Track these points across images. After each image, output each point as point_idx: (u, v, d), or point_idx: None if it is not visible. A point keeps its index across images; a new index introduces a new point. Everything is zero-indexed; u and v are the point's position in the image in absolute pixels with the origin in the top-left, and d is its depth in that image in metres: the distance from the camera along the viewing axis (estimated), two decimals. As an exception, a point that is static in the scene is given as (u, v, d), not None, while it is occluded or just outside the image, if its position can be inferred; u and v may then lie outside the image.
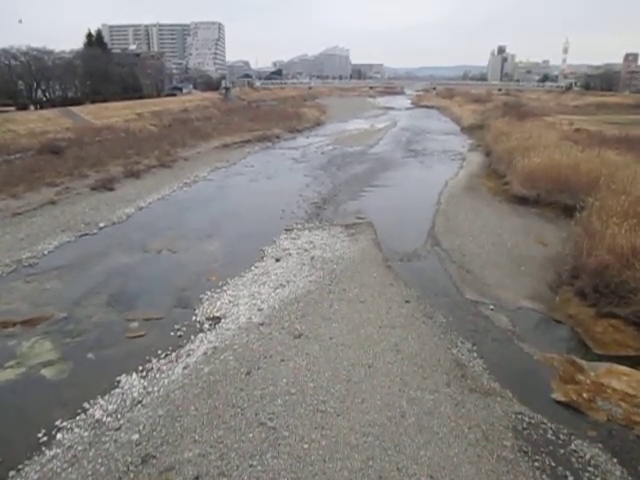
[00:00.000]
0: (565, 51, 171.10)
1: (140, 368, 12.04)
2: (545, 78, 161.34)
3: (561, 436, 9.89)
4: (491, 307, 15.27)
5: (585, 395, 10.87)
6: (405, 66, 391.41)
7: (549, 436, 9.90)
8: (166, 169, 36.02)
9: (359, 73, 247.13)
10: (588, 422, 10.26)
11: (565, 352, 12.72)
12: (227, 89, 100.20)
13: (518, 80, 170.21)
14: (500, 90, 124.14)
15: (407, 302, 15.53)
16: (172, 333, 13.79)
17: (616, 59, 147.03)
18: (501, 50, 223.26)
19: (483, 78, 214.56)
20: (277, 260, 19.12)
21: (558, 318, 14.43)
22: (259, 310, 15.00)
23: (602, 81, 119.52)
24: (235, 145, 47.95)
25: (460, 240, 21.13)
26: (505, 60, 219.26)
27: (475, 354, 12.73)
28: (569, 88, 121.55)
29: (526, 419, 10.34)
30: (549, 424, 10.18)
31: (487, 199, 27.94)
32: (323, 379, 11.49)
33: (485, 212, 25.28)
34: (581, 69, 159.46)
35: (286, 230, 22.77)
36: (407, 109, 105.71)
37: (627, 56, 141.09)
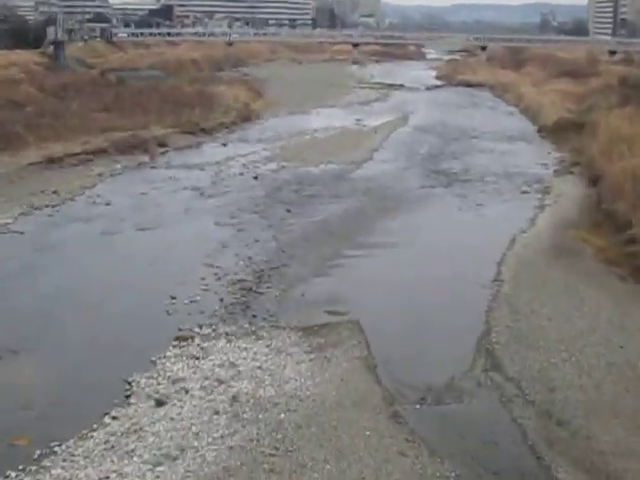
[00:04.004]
0: None
1: None
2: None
3: None
4: (611, 499, 15.40)
5: None
6: (425, 3, 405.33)
7: None
8: None
9: (332, 16, 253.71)
10: None
11: None
12: (58, 45, 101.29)
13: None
14: (614, 53, 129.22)
15: (435, 490, 15.55)
16: None
17: None
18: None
19: (580, 29, 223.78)
20: (159, 403, 18.93)
21: None
22: (119, 513, 14.78)
23: None
24: (73, 160, 48.31)
25: (543, 358, 21.43)
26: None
27: None
28: None
29: None
30: None
31: (595, 273, 28.68)
32: None
33: (592, 300, 25.86)
34: None
35: (179, 339, 22.69)
36: (429, 89, 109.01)
37: None
